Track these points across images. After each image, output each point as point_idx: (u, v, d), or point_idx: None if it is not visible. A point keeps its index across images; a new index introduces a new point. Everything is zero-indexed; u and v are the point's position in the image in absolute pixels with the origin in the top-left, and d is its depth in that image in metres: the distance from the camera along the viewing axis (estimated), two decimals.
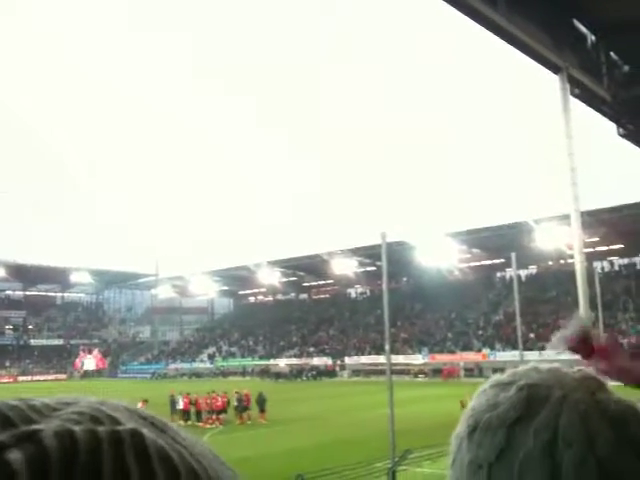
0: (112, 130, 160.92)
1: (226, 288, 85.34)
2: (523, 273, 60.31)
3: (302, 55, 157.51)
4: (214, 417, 27.18)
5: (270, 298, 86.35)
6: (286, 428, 24.93)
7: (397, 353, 52.02)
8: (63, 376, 74.77)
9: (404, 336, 60.51)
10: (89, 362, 79.00)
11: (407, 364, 54.12)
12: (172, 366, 76.66)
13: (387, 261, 13.50)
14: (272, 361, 66.80)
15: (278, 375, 60.13)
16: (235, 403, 27.47)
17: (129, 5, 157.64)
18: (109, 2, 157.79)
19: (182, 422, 26.10)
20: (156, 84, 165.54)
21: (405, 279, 71.61)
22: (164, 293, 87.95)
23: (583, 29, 8.82)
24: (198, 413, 27.68)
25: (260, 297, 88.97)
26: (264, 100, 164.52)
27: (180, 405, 27.82)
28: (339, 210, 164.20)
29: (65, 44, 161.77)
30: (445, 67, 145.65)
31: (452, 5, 7.47)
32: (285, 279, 75.93)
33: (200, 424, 26.38)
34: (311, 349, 67.77)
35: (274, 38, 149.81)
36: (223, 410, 27.38)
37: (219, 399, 27.62)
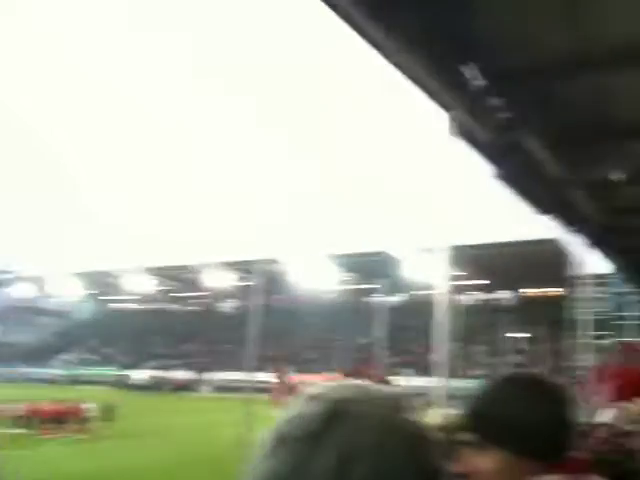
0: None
1: (91, 292, 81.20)
2: (391, 300, 62.32)
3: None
4: (57, 426, 25.55)
5: (139, 306, 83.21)
6: (131, 442, 23.88)
7: (264, 371, 51.66)
8: None
9: (271, 354, 60.38)
10: None
11: (269, 382, 53.94)
12: (21, 370, 71.52)
13: (261, 277, 13.30)
14: (132, 371, 64.16)
15: (135, 387, 57.77)
16: (83, 413, 26.14)
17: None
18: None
19: (20, 430, 24.37)
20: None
21: (279, 297, 71.77)
22: (21, 292, 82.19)
23: (473, 72, 9.19)
24: (39, 421, 25.98)
25: (128, 304, 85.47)
26: None
27: (20, 412, 26.02)
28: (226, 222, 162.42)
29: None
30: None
31: (351, 28, 7.48)
32: (157, 288, 73.56)
33: (40, 433, 24.71)
34: (175, 362, 65.88)
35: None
36: (69, 419, 25.89)
37: (65, 408, 26.12)
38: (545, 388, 1.48)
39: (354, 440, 0.72)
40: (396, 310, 60.75)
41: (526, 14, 8.14)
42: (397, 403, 0.79)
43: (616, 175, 12.00)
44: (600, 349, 39.36)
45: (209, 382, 58.53)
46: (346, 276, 62.19)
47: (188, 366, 63.90)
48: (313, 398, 0.79)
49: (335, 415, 0.74)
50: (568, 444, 1.43)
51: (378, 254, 53.35)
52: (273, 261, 57.69)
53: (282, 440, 0.76)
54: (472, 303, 61.32)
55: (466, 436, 1.46)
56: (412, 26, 7.88)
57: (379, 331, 51.93)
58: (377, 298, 57.37)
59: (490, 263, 48.57)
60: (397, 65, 8.08)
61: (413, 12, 7.99)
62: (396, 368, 49.10)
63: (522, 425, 1.39)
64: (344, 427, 0.72)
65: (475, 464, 1.41)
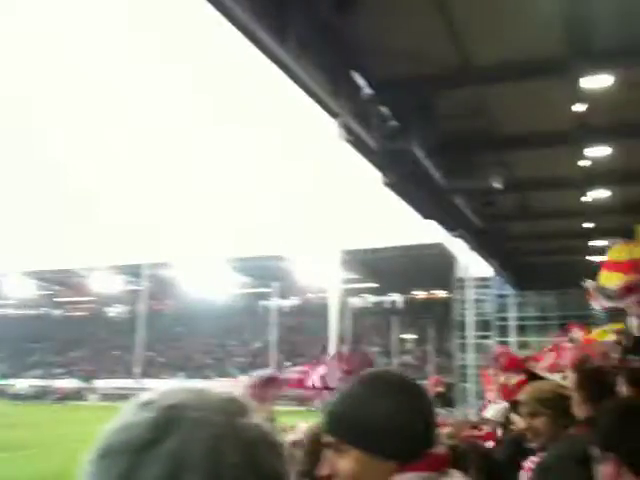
0: None
1: None
2: (285, 304, 62.53)
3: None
4: None
5: (18, 312, 78.45)
6: (8, 456, 22.51)
7: (153, 377, 50.29)
8: None
9: (161, 360, 58.88)
10: None
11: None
12: None
13: (150, 282, 12.93)
14: (13, 381, 60.44)
15: (17, 396, 54.48)
16: None
17: None
18: None
19: None
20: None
21: (170, 301, 70.09)
22: None
23: (361, 81, 9.44)
24: None
25: (7, 310, 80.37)
26: None
27: None
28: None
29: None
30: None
31: (245, 36, 7.47)
32: (39, 292, 69.69)
33: None
34: (60, 370, 62.71)
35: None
36: None
37: None
38: (401, 386, 1.44)
39: (187, 449, 0.66)
40: (291, 313, 61.19)
41: (410, 27, 8.47)
42: (236, 406, 0.74)
43: (494, 183, 12.69)
44: (481, 349, 41.49)
45: (96, 390, 56.32)
46: (241, 280, 61.89)
47: (74, 374, 61.21)
48: (143, 405, 0.73)
49: (167, 423, 0.68)
50: (427, 442, 1.39)
51: (273, 257, 53.54)
52: (164, 265, 56.30)
53: (107, 452, 0.70)
54: (365, 306, 62.94)
55: (329, 438, 1.44)
56: (302, 33, 8.00)
57: (273, 334, 52.07)
58: (272, 301, 57.52)
59: (382, 266, 50.10)
60: (287, 72, 8.15)
61: (303, 20, 8.12)
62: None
63: (376, 425, 1.36)
64: (176, 435, 0.67)
65: (335, 466, 1.38)
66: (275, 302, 54.88)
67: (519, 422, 3.33)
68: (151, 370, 54.34)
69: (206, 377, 55.02)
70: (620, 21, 8.06)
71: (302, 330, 57.72)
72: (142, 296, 53.13)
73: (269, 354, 50.03)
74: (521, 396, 3.24)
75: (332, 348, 10.55)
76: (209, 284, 59.63)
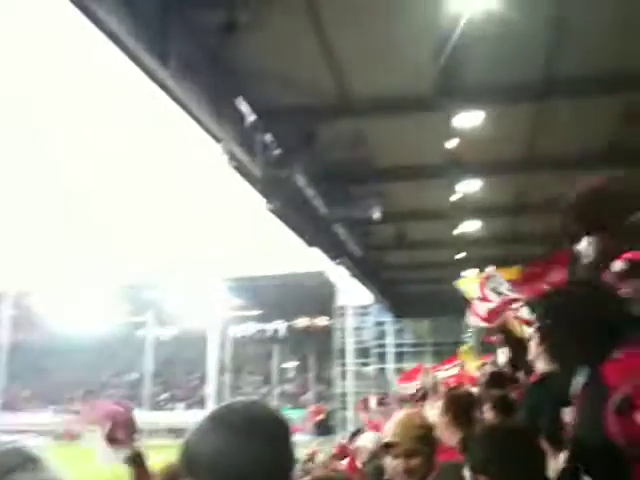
0: None
1: None
2: (162, 333, 60.58)
3: None
4: None
5: None
6: None
7: (18, 410, 46.96)
8: None
9: (26, 393, 55.07)
10: None
11: (32, 423, 49.01)
12: None
13: (11, 310, 12.09)
14: None
15: None
16: None
17: None
18: None
19: None
20: None
21: (38, 331, 65.85)
22: None
23: (245, 107, 9.45)
24: None
25: None
26: None
27: None
28: None
29: None
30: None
31: (126, 55, 7.28)
32: None
33: None
34: None
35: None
36: None
37: None
38: (240, 426, 1.30)
39: None
40: (169, 343, 59.33)
41: (293, 57, 8.64)
42: (13, 461, 0.73)
43: (372, 213, 13.09)
44: (361, 376, 42.25)
45: None
46: (117, 308, 59.39)
47: None
48: None
49: None
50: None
51: (151, 285, 51.87)
52: (29, 293, 53.00)
53: None
54: (247, 334, 62.28)
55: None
56: (185, 55, 7.92)
57: (149, 365, 50.22)
58: (149, 331, 55.55)
59: (265, 294, 49.91)
60: (170, 94, 8.01)
61: (186, 42, 8.04)
62: (166, 404, 47.78)
63: (203, 464, 1.27)
64: None
65: None
66: (151, 332, 53.01)
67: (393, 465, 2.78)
68: (15, 403, 50.65)
69: (76, 411, 51.97)
70: (487, 62, 8.65)
71: (179, 361, 56.12)
72: (2, 325, 49.47)
73: (144, 386, 48.13)
74: (393, 437, 2.80)
75: (211, 379, 10.28)
76: (83, 313, 56.72)
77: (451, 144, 11.29)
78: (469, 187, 13.45)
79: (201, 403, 41.83)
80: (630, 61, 8.74)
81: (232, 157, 9.66)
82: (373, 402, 9.26)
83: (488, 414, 3.90)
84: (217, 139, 8.88)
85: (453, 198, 14.23)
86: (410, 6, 7.60)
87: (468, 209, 14.97)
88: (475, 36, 7.77)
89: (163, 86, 7.85)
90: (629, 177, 12.43)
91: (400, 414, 2.99)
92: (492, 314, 7.22)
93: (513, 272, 7.67)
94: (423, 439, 2.75)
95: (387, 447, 2.81)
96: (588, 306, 1.75)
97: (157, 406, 46.90)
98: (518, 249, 16.25)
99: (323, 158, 12.13)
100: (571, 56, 8.56)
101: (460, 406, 3.52)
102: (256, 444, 1.26)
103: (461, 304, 9.04)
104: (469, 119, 10.18)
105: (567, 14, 7.69)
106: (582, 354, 1.66)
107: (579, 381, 1.63)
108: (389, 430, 2.83)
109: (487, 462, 1.51)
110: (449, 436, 3.30)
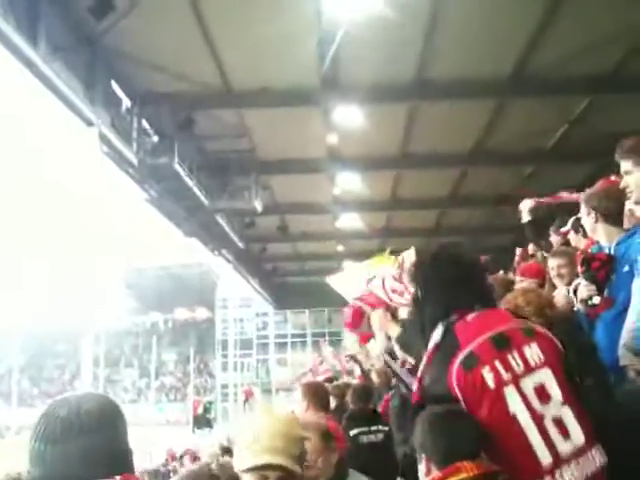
0: None
1: None
2: (33, 325, 57.33)
3: None
4: None
5: None
6: None
7: None
8: None
9: None
10: None
11: None
12: None
13: None
14: None
15: None
16: None
17: None
18: None
19: None
20: None
21: None
22: None
23: (120, 92, 9.12)
24: None
25: None
26: None
27: None
28: None
29: None
30: None
31: None
32: None
33: None
34: None
35: None
36: None
37: None
38: (85, 415, 1.32)
39: None
40: (38, 337, 56.17)
41: (172, 43, 8.43)
42: None
43: (254, 205, 13.05)
44: (243, 368, 42.17)
45: None
46: None
47: None
48: None
49: None
50: None
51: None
52: None
53: None
54: (125, 326, 60.16)
55: None
56: (56, 36, 7.53)
57: (18, 358, 47.34)
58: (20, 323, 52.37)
59: (143, 285, 48.47)
60: (38, 74, 7.56)
61: (57, 22, 7.63)
62: (34, 399, 45.24)
63: (53, 459, 1.28)
64: None
65: None
66: (20, 323, 50.00)
67: None
68: None
69: None
70: (368, 58, 8.89)
71: (52, 354, 53.39)
72: None
73: (12, 380, 45.41)
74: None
75: (85, 373, 9.86)
76: None
77: (331, 139, 11.51)
78: (348, 181, 13.77)
79: None
80: (498, 67, 9.34)
81: (106, 143, 9.27)
82: (257, 392, 9.35)
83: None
84: (89, 123, 8.48)
85: (333, 191, 14.53)
86: (294, 3, 7.67)
87: (347, 202, 15.33)
88: (355, 36, 7.98)
89: (31, 66, 7.41)
90: (495, 175, 13.32)
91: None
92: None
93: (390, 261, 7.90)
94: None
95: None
96: (452, 268, 1.90)
97: (26, 403, 44.34)
98: (394, 242, 16.86)
99: (204, 148, 11.96)
100: (443, 60, 9.00)
101: (313, 394, 3.97)
102: (83, 435, 1.29)
103: (340, 295, 9.24)
104: (348, 115, 10.41)
105: (441, 20, 8.06)
106: (442, 310, 1.80)
107: (435, 337, 1.76)
108: None
109: (426, 443, 1.63)
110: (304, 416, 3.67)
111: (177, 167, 10.71)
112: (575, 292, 2.73)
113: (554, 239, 5.80)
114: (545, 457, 1.58)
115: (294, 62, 8.96)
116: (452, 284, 1.85)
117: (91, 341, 40.33)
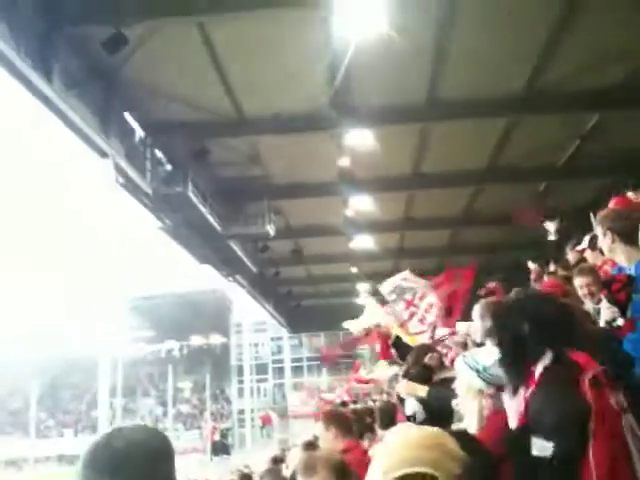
0: None
1: None
2: (47, 355, 57.43)
3: None
4: None
5: None
6: None
7: None
8: None
9: None
10: None
11: None
12: None
13: None
14: None
15: None
16: None
17: None
18: None
19: None
20: None
21: None
22: None
23: (133, 123, 9.24)
24: None
25: None
26: None
27: None
28: None
29: None
30: None
31: (8, 72, 6.94)
32: None
33: None
34: None
35: None
36: None
37: None
38: (137, 447, 1.37)
39: None
40: (55, 367, 56.22)
41: (185, 74, 8.55)
42: None
43: (268, 230, 13.11)
44: (259, 393, 41.94)
45: None
46: None
47: None
48: None
49: None
50: None
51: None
52: None
53: None
54: (140, 355, 60.10)
55: None
56: (70, 71, 7.65)
57: (34, 390, 47.36)
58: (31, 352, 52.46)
59: (158, 313, 48.50)
60: (54, 109, 7.69)
61: (71, 58, 7.77)
62: (51, 430, 45.20)
63: None
64: None
65: None
66: (35, 353, 50.10)
67: None
68: None
69: None
70: (376, 84, 8.96)
71: (68, 384, 53.39)
72: None
73: (29, 412, 45.40)
74: None
75: (102, 402, 9.87)
76: None
77: (343, 162, 11.56)
78: (361, 203, 13.79)
79: (92, 428, 39.99)
80: (508, 85, 9.38)
81: (121, 173, 9.38)
82: (275, 418, 9.32)
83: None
84: (103, 154, 8.59)
85: (347, 214, 14.56)
86: (302, 30, 7.76)
87: (360, 224, 15.34)
88: (365, 60, 8.05)
89: (47, 102, 7.53)
90: (507, 193, 13.29)
91: None
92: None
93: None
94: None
95: None
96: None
97: (42, 433, 44.29)
98: (407, 263, 16.80)
99: (217, 175, 12.04)
100: (453, 79, 9.04)
101: (335, 421, 3.94)
102: (138, 468, 1.31)
103: (355, 317, 9.25)
104: (359, 138, 10.47)
105: (450, 40, 8.12)
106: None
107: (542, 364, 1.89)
108: None
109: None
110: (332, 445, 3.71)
111: (191, 195, 10.81)
112: (598, 313, 2.73)
113: (571, 256, 5.81)
114: None
115: (304, 88, 9.05)
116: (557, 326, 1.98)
117: (107, 371, 40.29)
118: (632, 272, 2.79)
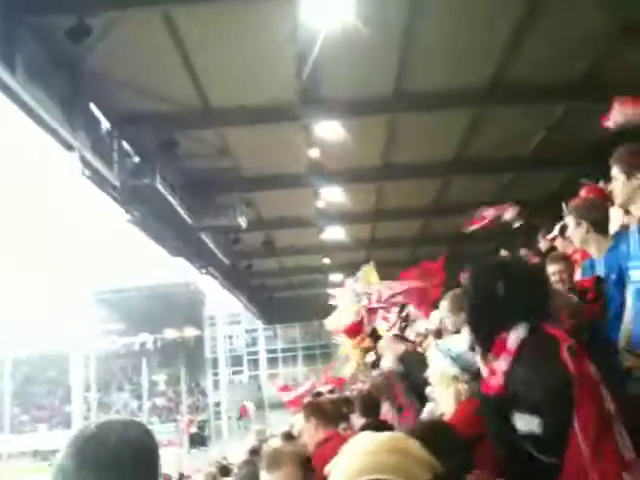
0: None
1: None
2: (20, 351, 56.67)
3: None
4: None
5: None
6: None
7: None
8: None
9: None
10: None
11: None
12: None
13: None
14: None
15: None
16: None
17: None
18: None
19: None
20: None
21: None
22: None
23: (99, 115, 9.13)
24: None
25: None
26: None
27: None
28: None
29: None
30: None
31: None
32: None
33: None
34: None
35: None
36: None
37: None
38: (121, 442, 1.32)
39: None
40: (27, 362, 55.51)
41: (150, 64, 8.47)
42: None
43: (239, 221, 13.06)
44: (234, 385, 41.89)
45: None
46: None
47: None
48: None
49: None
50: None
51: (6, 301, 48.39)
52: None
53: None
54: (113, 349, 59.54)
55: None
56: (33, 61, 7.53)
57: (7, 385, 46.72)
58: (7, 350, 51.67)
59: (130, 307, 48.08)
60: (16, 100, 7.55)
61: (36, 49, 7.64)
62: (25, 425, 44.65)
63: None
64: None
65: None
66: (7, 349, 49.39)
67: None
68: None
69: None
70: (345, 72, 8.98)
71: (42, 380, 52.74)
72: None
73: (3, 408, 44.78)
74: None
75: (76, 397, 9.78)
76: None
77: (313, 153, 11.57)
78: (331, 194, 13.83)
79: (66, 423, 39.64)
80: (475, 77, 9.47)
81: (87, 166, 9.25)
82: (252, 409, 9.38)
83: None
84: (69, 147, 8.47)
85: (317, 205, 14.58)
86: (269, 20, 7.73)
87: (331, 216, 15.38)
88: (333, 51, 8.05)
89: (10, 94, 7.40)
90: (475, 183, 13.43)
91: None
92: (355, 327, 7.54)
93: (372, 275, 7.98)
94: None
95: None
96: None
97: (17, 429, 43.77)
98: (378, 253, 16.88)
99: (186, 167, 11.96)
100: (420, 71, 9.10)
101: (316, 413, 4.02)
102: (132, 463, 1.28)
103: (328, 307, 9.33)
104: (329, 129, 10.49)
105: (417, 32, 8.17)
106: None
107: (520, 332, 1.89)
108: None
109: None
110: (312, 438, 3.85)
111: (159, 187, 10.70)
112: None
113: (542, 244, 5.92)
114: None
115: (272, 78, 9.02)
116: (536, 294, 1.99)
117: (79, 365, 39.91)
118: (601, 264, 2.86)
